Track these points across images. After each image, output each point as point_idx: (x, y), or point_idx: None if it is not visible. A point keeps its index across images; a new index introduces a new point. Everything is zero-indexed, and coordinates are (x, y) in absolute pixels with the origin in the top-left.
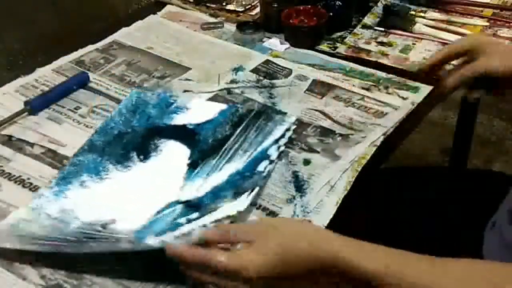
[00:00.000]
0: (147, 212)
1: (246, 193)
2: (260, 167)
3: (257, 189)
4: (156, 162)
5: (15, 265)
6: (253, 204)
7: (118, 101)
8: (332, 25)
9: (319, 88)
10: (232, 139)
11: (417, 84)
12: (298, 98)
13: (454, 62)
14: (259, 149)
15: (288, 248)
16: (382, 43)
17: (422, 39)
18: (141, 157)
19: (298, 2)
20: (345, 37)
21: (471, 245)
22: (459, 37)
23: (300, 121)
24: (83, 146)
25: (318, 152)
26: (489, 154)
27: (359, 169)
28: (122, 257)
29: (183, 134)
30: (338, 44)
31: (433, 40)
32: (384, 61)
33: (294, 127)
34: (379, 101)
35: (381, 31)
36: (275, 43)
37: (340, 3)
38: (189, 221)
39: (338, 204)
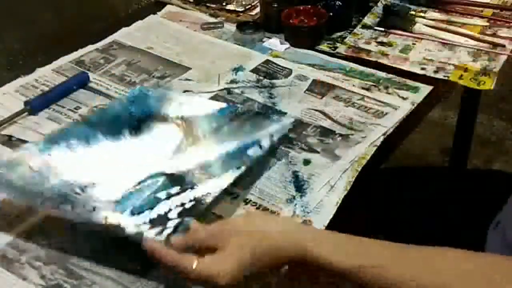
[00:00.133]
0: (129, 181)
1: (230, 172)
2: (250, 152)
3: (243, 168)
4: (147, 138)
5: (15, 265)
6: (248, 202)
7: None
8: (332, 25)
9: (319, 88)
10: (226, 130)
11: (417, 84)
12: (298, 98)
13: None
14: (252, 139)
15: (256, 250)
16: (382, 43)
17: (422, 39)
18: (133, 132)
19: (298, 2)
20: (345, 37)
21: (471, 245)
22: (459, 37)
23: (300, 121)
24: (77, 120)
25: (318, 152)
26: (489, 154)
27: (359, 169)
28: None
29: (180, 121)
30: (338, 44)
31: (433, 40)
32: (384, 61)
33: (290, 127)
34: (379, 101)
35: (381, 31)
36: (275, 43)
37: (340, 3)
38: (168, 196)
39: (338, 204)
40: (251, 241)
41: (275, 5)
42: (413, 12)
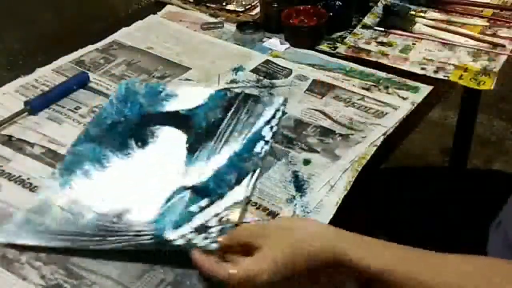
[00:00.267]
0: (157, 201)
1: (249, 176)
2: (257, 148)
3: (258, 171)
4: (154, 148)
5: (15, 265)
6: (248, 202)
7: None
8: (332, 25)
9: (319, 88)
10: (225, 122)
11: (417, 84)
12: (298, 98)
13: None
14: (253, 130)
15: (292, 252)
16: (382, 43)
17: (422, 39)
18: (139, 143)
19: (298, 2)
20: (345, 37)
21: (472, 245)
22: (459, 37)
23: (300, 121)
24: (79, 136)
25: (318, 152)
26: (489, 154)
27: (359, 169)
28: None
29: (177, 120)
30: (338, 44)
31: (433, 40)
32: (384, 61)
33: (283, 107)
34: (379, 101)
35: (381, 31)
36: (275, 43)
37: (340, 3)
38: (201, 209)
39: (338, 204)
40: (288, 243)
41: (275, 5)
42: (413, 12)
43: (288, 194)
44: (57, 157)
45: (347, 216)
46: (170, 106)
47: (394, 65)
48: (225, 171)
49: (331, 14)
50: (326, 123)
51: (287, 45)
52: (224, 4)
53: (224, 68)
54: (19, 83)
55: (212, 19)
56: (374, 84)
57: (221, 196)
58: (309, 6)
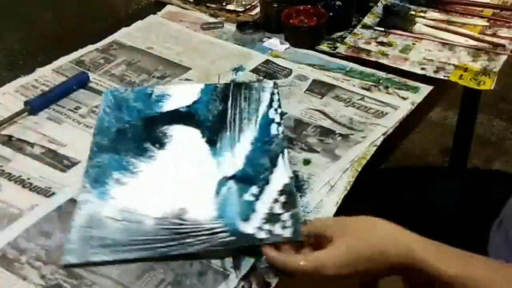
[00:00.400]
0: (207, 196)
1: (280, 157)
2: (273, 131)
3: (286, 151)
4: (175, 147)
5: (15, 265)
6: None
7: None
8: (332, 25)
9: (319, 88)
10: (229, 112)
11: (417, 84)
12: (298, 98)
13: None
14: (260, 115)
15: (361, 251)
16: (382, 43)
17: (422, 39)
18: (157, 145)
19: (298, 2)
20: (345, 37)
21: (472, 245)
22: (459, 37)
23: (300, 121)
24: (91, 149)
25: (318, 152)
26: (489, 154)
27: (359, 169)
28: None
29: (182, 117)
30: (338, 44)
31: (433, 40)
32: (384, 61)
33: (276, 90)
34: (379, 101)
35: (381, 31)
36: (275, 43)
37: (340, 3)
38: (256, 196)
39: (338, 204)
40: (359, 241)
41: (275, 5)
42: (413, 12)
43: None
44: (57, 157)
45: (347, 216)
46: (168, 106)
47: (394, 65)
48: (255, 156)
49: (331, 14)
50: (326, 123)
51: (287, 45)
52: (224, 4)
53: (224, 68)
54: (19, 83)
55: (212, 19)
56: (374, 84)
57: (266, 181)
58: (309, 6)
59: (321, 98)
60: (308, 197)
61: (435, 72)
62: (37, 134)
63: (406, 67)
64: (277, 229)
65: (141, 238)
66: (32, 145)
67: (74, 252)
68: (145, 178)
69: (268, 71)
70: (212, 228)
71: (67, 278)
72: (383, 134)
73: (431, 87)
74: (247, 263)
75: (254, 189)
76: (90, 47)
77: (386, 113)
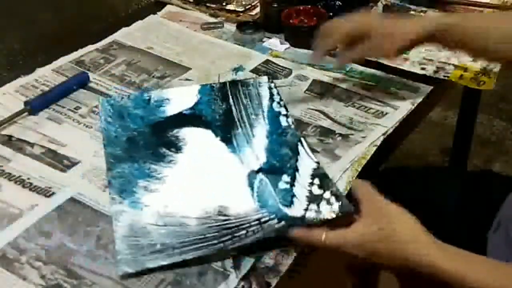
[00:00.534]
0: (242, 191)
1: (299, 145)
2: (283, 123)
3: (303, 139)
4: (192, 149)
5: (15, 265)
6: None
7: None
8: None
9: (319, 88)
10: (234, 109)
11: (417, 84)
12: (298, 98)
13: None
14: (265, 109)
15: (380, 244)
16: None
17: None
18: (173, 149)
19: (298, 2)
20: None
21: (472, 245)
22: None
23: (300, 121)
24: (107, 160)
25: (318, 152)
26: (489, 154)
27: (359, 169)
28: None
29: (188, 120)
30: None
31: None
32: (384, 61)
33: (273, 84)
34: (379, 101)
35: None
36: (275, 43)
37: (340, 3)
38: (291, 184)
39: None
40: (381, 233)
41: (275, 5)
42: (413, 12)
43: None
44: (57, 157)
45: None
46: (170, 110)
47: (394, 65)
48: (274, 148)
49: (331, 14)
50: (326, 123)
51: (287, 45)
52: (224, 4)
53: (224, 68)
54: (19, 83)
55: (212, 19)
56: (374, 84)
57: (295, 169)
58: (309, 6)
59: (321, 98)
60: None
61: (435, 72)
62: (37, 134)
63: (406, 67)
64: (323, 206)
65: (190, 239)
66: (32, 145)
67: (128, 262)
68: (173, 182)
69: (268, 71)
70: (260, 218)
71: (67, 278)
72: (383, 134)
73: (431, 87)
74: (247, 263)
75: (285, 178)
76: (90, 47)
77: (386, 113)
